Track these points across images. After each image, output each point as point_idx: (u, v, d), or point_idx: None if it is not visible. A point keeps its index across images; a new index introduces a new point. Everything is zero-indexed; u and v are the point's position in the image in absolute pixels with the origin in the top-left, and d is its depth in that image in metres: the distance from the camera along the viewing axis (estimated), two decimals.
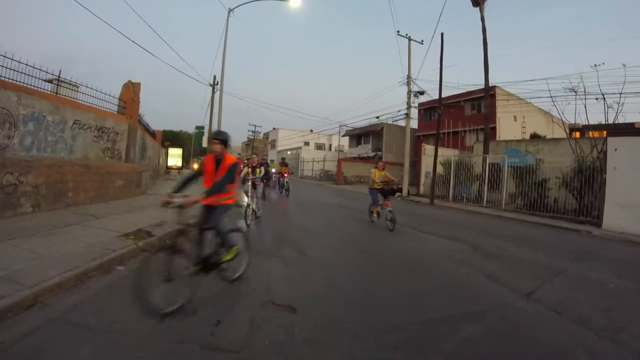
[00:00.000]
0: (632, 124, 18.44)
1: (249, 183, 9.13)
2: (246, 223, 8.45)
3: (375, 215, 9.83)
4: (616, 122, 13.99)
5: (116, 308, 3.66)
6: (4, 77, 7.39)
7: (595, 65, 14.62)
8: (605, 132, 13.91)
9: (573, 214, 12.63)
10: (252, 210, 8.96)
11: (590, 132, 15.91)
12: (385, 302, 4.28)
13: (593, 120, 15.26)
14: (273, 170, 18.93)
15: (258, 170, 9.50)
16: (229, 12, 15.14)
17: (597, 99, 14.40)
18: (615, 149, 10.80)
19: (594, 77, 32.32)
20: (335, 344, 3.21)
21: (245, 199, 8.89)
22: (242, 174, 8.83)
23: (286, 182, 17.28)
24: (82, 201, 9.17)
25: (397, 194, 21.41)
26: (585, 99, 14.59)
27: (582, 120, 15.19)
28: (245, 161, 11.08)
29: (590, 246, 8.53)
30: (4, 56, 7.36)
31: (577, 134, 18.22)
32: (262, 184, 10.18)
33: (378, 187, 9.57)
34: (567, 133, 17.13)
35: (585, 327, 3.73)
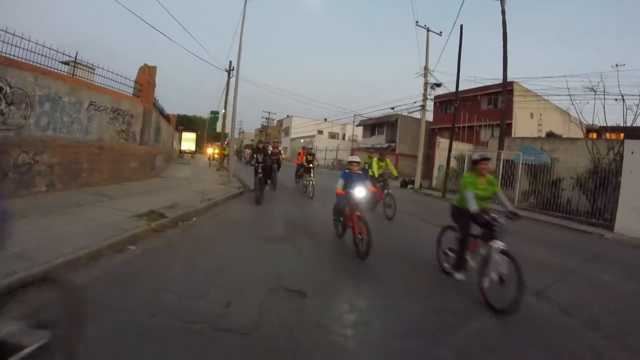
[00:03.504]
0: None
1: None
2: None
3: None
4: (634, 124, 13.68)
5: (128, 287, 3.73)
6: (20, 58, 7.47)
7: (617, 66, 14.27)
8: (622, 134, 13.61)
9: (585, 215, 12.41)
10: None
11: (607, 134, 15.58)
12: (395, 291, 4.30)
13: (611, 122, 14.95)
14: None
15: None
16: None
17: (616, 99, 14.08)
18: (632, 152, 10.55)
19: (614, 76, 31.65)
20: (345, 329, 3.24)
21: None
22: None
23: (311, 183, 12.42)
24: (96, 182, 9.31)
25: (409, 186, 21.37)
26: (604, 99, 14.28)
27: (599, 121, 14.88)
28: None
29: (602, 249, 8.41)
30: (21, 37, 7.43)
31: (594, 135, 17.83)
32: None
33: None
34: (584, 133, 16.79)
35: (594, 328, 3.70)
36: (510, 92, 23.92)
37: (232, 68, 22.29)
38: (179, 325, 3.02)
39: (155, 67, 12.96)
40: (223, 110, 25.26)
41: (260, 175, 10.25)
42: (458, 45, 18.47)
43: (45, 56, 8.00)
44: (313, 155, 13.31)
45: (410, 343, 3.09)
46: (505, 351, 3.15)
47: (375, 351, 2.95)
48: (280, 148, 14.31)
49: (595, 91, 14.58)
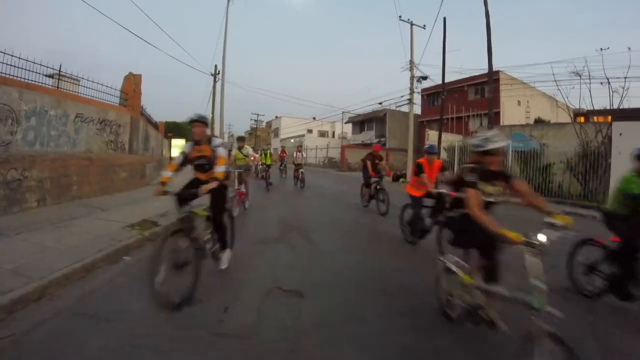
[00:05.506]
0: (637, 109, 18.17)
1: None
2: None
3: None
4: (621, 107, 13.85)
5: (124, 297, 3.71)
6: (4, 74, 7.39)
7: (601, 49, 14.43)
8: (610, 117, 13.79)
9: (578, 198, 12.56)
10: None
11: (595, 117, 15.78)
12: (391, 287, 4.31)
13: (598, 105, 15.11)
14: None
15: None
16: (228, 1, 14.99)
17: (601, 83, 14.27)
18: (620, 134, 10.72)
19: (598, 61, 32.13)
20: (343, 328, 3.24)
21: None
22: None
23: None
24: (87, 194, 9.21)
25: (401, 179, 21.40)
26: (590, 83, 14.45)
27: (586, 105, 15.05)
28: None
29: (595, 231, 8.47)
30: (4, 52, 7.35)
31: (582, 119, 18.03)
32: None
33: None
34: (571, 118, 16.96)
35: (593, 312, 3.77)
36: (497, 81, 24.11)
37: (217, 72, 22.20)
38: (178, 333, 3.00)
39: (140, 75, 12.86)
40: (211, 115, 25.15)
41: None
42: (442, 38, 18.65)
43: (29, 70, 7.93)
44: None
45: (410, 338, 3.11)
46: (503, 340, 3.17)
47: (375, 350, 2.96)
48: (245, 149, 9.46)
49: (580, 76, 14.77)
